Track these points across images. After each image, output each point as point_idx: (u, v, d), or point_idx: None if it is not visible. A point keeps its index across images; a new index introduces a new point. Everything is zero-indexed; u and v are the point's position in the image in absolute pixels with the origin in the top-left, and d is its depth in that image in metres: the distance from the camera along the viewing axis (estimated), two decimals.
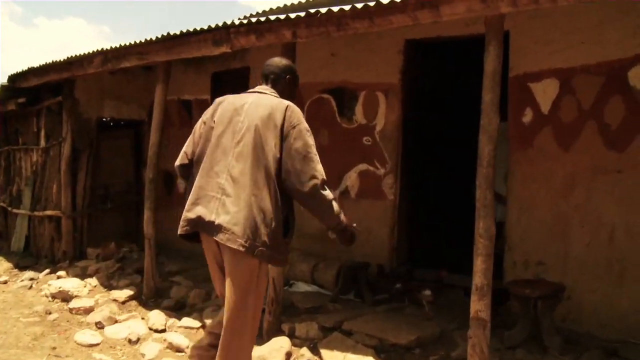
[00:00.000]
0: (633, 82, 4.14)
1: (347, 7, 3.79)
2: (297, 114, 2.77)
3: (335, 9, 3.86)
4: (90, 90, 7.47)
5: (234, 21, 4.58)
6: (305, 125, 2.77)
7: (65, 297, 5.53)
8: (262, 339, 4.18)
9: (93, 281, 6.00)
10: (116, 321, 4.85)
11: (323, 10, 3.94)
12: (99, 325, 4.77)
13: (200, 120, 3.00)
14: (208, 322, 4.60)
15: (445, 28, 4.90)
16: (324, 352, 4.03)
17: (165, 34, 5.17)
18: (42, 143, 7.58)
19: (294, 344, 4.17)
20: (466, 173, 5.95)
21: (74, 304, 5.27)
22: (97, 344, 4.40)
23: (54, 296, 5.61)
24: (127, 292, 5.52)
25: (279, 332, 4.38)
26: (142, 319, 4.91)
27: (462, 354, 3.89)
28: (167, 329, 4.69)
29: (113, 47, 5.81)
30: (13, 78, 7.48)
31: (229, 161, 2.73)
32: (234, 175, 2.70)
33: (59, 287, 5.63)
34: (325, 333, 4.36)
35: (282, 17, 4.19)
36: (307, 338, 4.31)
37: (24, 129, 8.04)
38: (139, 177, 8.14)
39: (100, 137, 7.72)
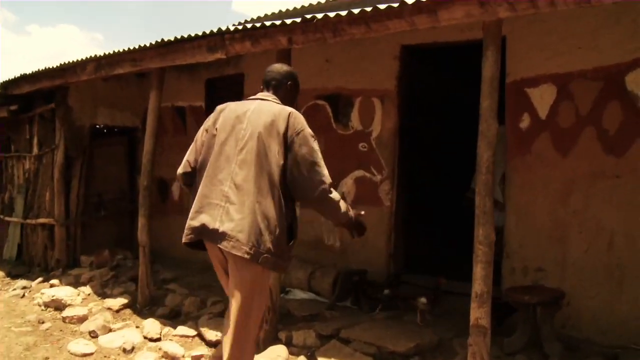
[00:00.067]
0: (630, 86, 4.14)
1: (343, 13, 3.77)
2: (300, 120, 2.79)
3: (331, 14, 3.84)
4: (84, 97, 7.42)
5: (229, 27, 4.55)
6: (309, 130, 2.78)
7: (58, 305, 5.46)
8: (258, 347, 4.13)
9: (87, 289, 5.94)
10: (110, 330, 4.79)
11: (319, 15, 3.92)
12: (93, 335, 4.70)
13: (202, 127, 3.00)
14: (203, 330, 4.55)
15: (441, 34, 4.89)
16: None
17: (159, 40, 5.14)
18: (35, 150, 7.53)
19: (291, 353, 4.13)
20: (463, 179, 5.96)
21: (67, 312, 5.20)
22: (91, 354, 4.33)
23: (46, 305, 5.54)
24: (121, 301, 5.45)
25: (276, 341, 4.34)
26: (137, 327, 4.85)
27: None
28: (162, 338, 4.63)
29: (106, 53, 5.77)
30: (5, 85, 7.42)
31: (232, 168, 2.74)
32: (238, 182, 2.71)
33: (52, 296, 5.56)
34: (323, 341, 4.32)
35: (278, 23, 4.17)
36: (304, 346, 4.27)
37: (16, 136, 7.97)
38: (132, 184, 8.11)
39: (94, 145, 7.67)
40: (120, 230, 8.02)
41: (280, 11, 6.08)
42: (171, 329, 4.73)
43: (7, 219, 7.90)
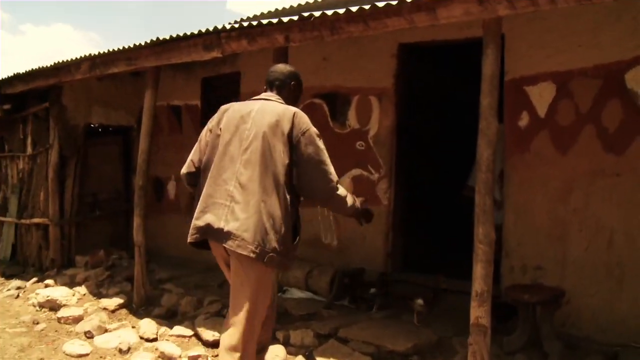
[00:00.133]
0: (630, 84, 4.11)
1: (341, 11, 3.73)
2: (305, 120, 2.83)
3: (329, 12, 3.80)
4: (78, 96, 7.35)
5: (225, 25, 4.51)
6: (314, 129, 2.84)
7: (53, 306, 5.41)
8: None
9: (82, 290, 5.88)
10: (106, 330, 4.74)
11: (317, 13, 3.88)
12: (89, 335, 4.65)
13: (205, 128, 3.04)
14: (200, 330, 4.51)
15: (440, 32, 4.86)
16: None
17: (154, 39, 5.10)
18: (29, 150, 7.47)
19: (288, 352, 4.10)
20: (462, 177, 5.93)
21: (62, 313, 5.15)
22: (87, 355, 4.29)
23: (41, 305, 5.49)
24: (117, 301, 5.40)
25: (273, 340, 4.29)
26: (133, 327, 4.80)
27: None
28: (158, 338, 4.58)
29: (101, 52, 5.73)
30: None
31: (237, 168, 2.77)
32: (243, 182, 2.74)
33: (47, 296, 5.50)
34: (321, 340, 4.29)
35: (275, 21, 4.13)
36: (302, 346, 4.24)
37: (9, 136, 7.90)
38: (128, 183, 8.06)
39: (88, 144, 7.62)
40: (116, 230, 7.98)
41: (276, 9, 6.03)
42: (167, 329, 4.69)
43: (1, 219, 7.84)
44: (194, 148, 3.06)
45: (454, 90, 6.54)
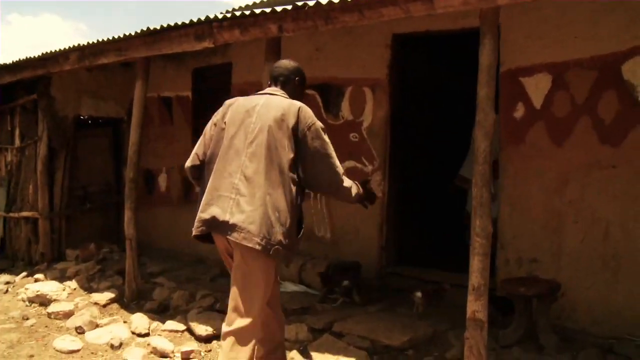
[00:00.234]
0: (627, 75, 4.08)
1: (336, 0, 3.66)
2: (310, 114, 2.88)
3: (323, 1, 3.73)
4: (67, 87, 7.28)
5: (217, 15, 4.43)
6: (319, 123, 2.89)
7: (43, 301, 5.34)
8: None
9: (72, 284, 5.82)
10: (97, 325, 4.69)
11: (311, 3, 3.81)
12: (79, 330, 4.60)
13: (210, 122, 3.08)
14: (193, 324, 4.46)
15: (434, 22, 4.81)
16: (314, 355, 3.92)
17: (144, 29, 5.01)
18: (17, 142, 7.38)
19: None
20: (456, 168, 5.90)
21: (52, 308, 5.08)
22: (78, 350, 4.23)
23: (31, 300, 5.41)
24: (108, 295, 5.34)
25: None
26: (125, 322, 4.75)
27: (457, 354, 3.82)
28: (150, 333, 4.54)
29: (90, 42, 5.63)
30: None
31: (242, 161, 2.80)
32: (248, 174, 2.77)
33: (37, 291, 5.44)
34: (315, 335, 4.25)
35: (268, 10, 4.05)
36: (296, 340, 4.19)
37: None
38: (118, 176, 8.00)
39: (78, 136, 7.53)
40: (106, 223, 7.92)
41: None
42: (160, 324, 4.64)
43: None
44: (199, 142, 3.08)
45: (449, 81, 6.49)
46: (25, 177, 7.29)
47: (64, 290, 5.59)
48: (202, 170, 3.01)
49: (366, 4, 3.58)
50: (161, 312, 5.02)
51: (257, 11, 4.12)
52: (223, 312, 4.65)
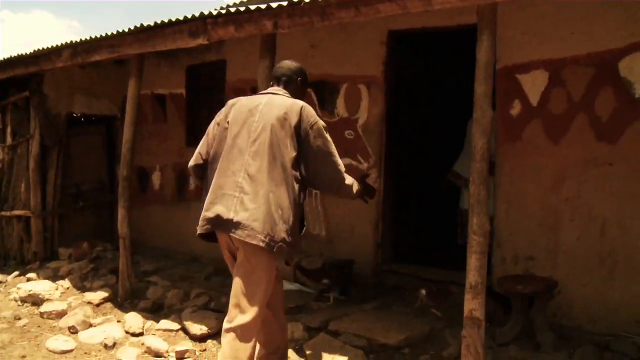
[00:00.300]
0: (624, 72, 4.07)
1: None
2: (312, 113, 2.93)
3: None
4: (60, 85, 7.21)
5: (211, 12, 4.39)
6: (321, 122, 2.95)
7: (35, 300, 5.28)
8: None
9: (65, 283, 5.77)
10: (90, 325, 4.64)
11: None
12: (73, 330, 4.55)
13: (213, 122, 3.13)
14: (187, 323, 4.42)
15: (430, 18, 4.78)
16: (310, 354, 3.90)
17: (138, 25, 4.96)
18: (9, 140, 7.31)
19: None
20: (451, 165, 5.89)
21: (45, 307, 5.03)
22: (71, 350, 4.18)
23: (23, 300, 5.35)
24: (101, 294, 5.29)
25: None
26: (118, 322, 4.71)
27: (454, 352, 3.81)
28: (144, 332, 4.50)
29: (83, 39, 5.57)
30: None
31: (245, 160, 2.84)
32: (251, 173, 2.81)
33: (29, 290, 5.37)
34: (311, 334, 4.23)
35: (263, 6, 4.01)
36: (292, 339, 4.16)
37: None
38: (112, 174, 7.94)
39: (71, 134, 7.47)
40: (99, 222, 7.86)
41: None
42: (154, 323, 4.60)
43: None
44: (202, 141, 3.12)
45: (445, 78, 6.46)
46: (17, 175, 7.22)
47: (56, 289, 5.54)
48: (206, 169, 3.06)
49: (363, 0, 3.54)
50: (155, 311, 4.98)
51: (252, 7, 4.08)
52: (218, 311, 4.67)
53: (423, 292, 4.46)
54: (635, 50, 4.03)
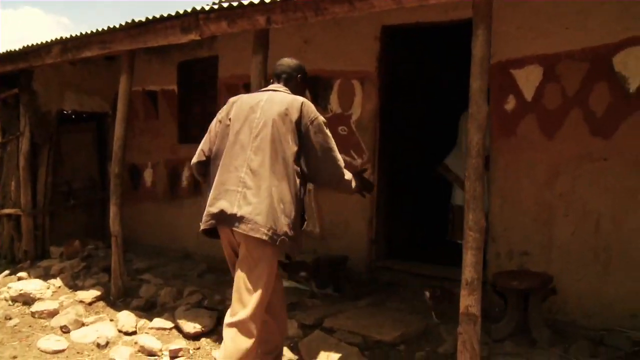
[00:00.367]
0: (618, 67, 4.06)
1: None
2: (312, 109, 2.97)
3: None
4: (50, 81, 7.15)
5: (204, 7, 4.34)
6: (322, 118, 2.99)
7: (26, 300, 5.23)
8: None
9: (57, 282, 5.71)
10: (83, 324, 4.60)
11: None
12: (65, 330, 4.50)
13: (215, 119, 3.16)
14: (181, 322, 4.38)
15: (424, 14, 4.77)
16: (305, 352, 3.87)
17: (129, 21, 4.91)
18: None
19: None
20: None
21: (36, 307, 4.97)
22: (63, 350, 4.14)
23: (14, 300, 5.29)
24: (93, 293, 5.24)
25: None
26: (111, 320, 4.67)
27: (450, 349, 3.79)
28: (137, 331, 4.46)
29: (73, 35, 5.52)
30: None
31: (247, 155, 2.88)
32: (254, 167, 2.85)
33: (20, 290, 5.31)
34: (306, 331, 4.20)
35: (256, 1, 3.97)
36: (286, 337, 4.11)
37: None
38: (103, 171, 7.90)
39: (61, 131, 7.43)
40: (91, 220, 7.82)
41: None
42: (147, 322, 4.57)
43: None
44: (204, 138, 3.16)
45: (439, 73, 6.44)
46: (7, 173, 7.16)
47: (48, 288, 5.48)
48: (208, 166, 3.09)
49: None
50: (148, 310, 4.95)
51: (245, 2, 4.04)
52: (211, 309, 4.64)
53: (427, 294, 4.40)
54: (629, 45, 4.02)
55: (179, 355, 3.98)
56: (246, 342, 2.81)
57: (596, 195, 4.20)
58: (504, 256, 4.60)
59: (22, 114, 6.90)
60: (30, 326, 4.68)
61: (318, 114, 2.99)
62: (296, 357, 3.87)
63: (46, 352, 4.10)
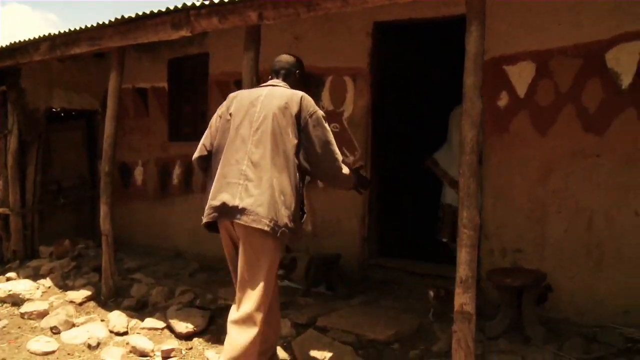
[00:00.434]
0: (610, 64, 4.06)
1: None
2: (311, 103, 3.01)
3: None
4: (38, 79, 7.06)
5: (195, 3, 4.29)
6: (321, 112, 3.02)
7: (15, 301, 5.16)
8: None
9: (47, 282, 5.65)
10: (73, 325, 4.54)
11: None
12: (55, 331, 4.45)
13: (215, 115, 3.20)
14: (173, 321, 4.34)
15: (416, 10, 4.74)
16: (298, 351, 3.84)
17: (118, 17, 4.85)
18: None
19: None
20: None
21: (25, 308, 4.91)
22: (53, 352, 4.08)
23: (3, 301, 5.22)
24: (84, 293, 5.18)
25: None
26: (102, 321, 4.61)
27: (444, 347, 3.78)
28: (129, 331, 4.41)
29: (61, 32, 5.44)
30: None
31: (248, 148, 2.92)
32: (255, 160, 2.89)
33: (9, 291, 5.25)
34: (299, 330, 4.17)
35: None
36: (279, 336, 4.10)
37: None
38: (93, 170, 7.84)
39: (50, 129, 7.34)
40: (81, 218, 7.76)
41: None
42: (139, 322, 4.52)
43: None
44: (205, 134, 3.20)
45: (431, 69, 6.42)
46: None
47: (37, 288, 5.42)
48: (209, 160, 3.13)
49: None
50: (140, 310, 4.89)
51: None
52: (203, 308, 4.60)
53: (431, 293, 4.37)
54: (622, 41, 4.03)
55: (171, 355, 3.94)
56: (252, 331, 2.84)
57: (589, 192, 4.20)
58: (497, 253, 4.60)
59: (10, 111, 6.82)
60: (19, 327, 4.62)
61: (317, 108, 3.02)
62: (289, 356, 3.84)
63: (36, 354, 4.04)
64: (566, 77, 4.24)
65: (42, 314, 4.77)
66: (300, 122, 2.94)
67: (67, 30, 5.36)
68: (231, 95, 3.20)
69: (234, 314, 2.92)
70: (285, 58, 3.30)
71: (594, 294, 4.19)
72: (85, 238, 7.20)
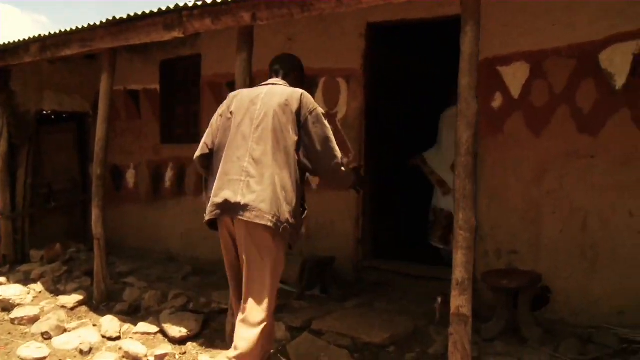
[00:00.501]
0: (605, 64, 4.06)
1: None
2: (311, 100, 3.04)
3: None
4: (28, 81, 7.01)
5: (187, 3, 4.26)
6: (320, 109, 3.04)
7: (5, 306, 5.08)
8: (225, 342, 3.94)
9: (38, 287, 5.57)
10: (65, 330, 4.48)
11: None
12: (46, 336, 4.38)
13: (216, 113, 3.22)
14: (166, 326, 4.30)
15: (410, 11, 4.72)
16: (293, 355, 3.81)
17: (110, 18, 4.80)
18: None
19: None
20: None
21: (16, 313, 4.84)
22: (44, 358, 4.01)
23: None
24: (76, 297, 5.13)
25: None
26: (94, 326, 4.56)
27: (440, 349, 3.76)
28: (122, 336, 4.36)
29: (52, 33, 5.39)
30: None
31: (249, 145, 2.93)
32: (256, 157, 2.90)
33: None
34: (294, 334, 4.13)
35: None
36: (274, 340, 4.07)
37: None
38: (84, 173, 7.78)
39: (41, 132, 7.30)
40: (72, 222, 7.70)
41: None
42: (131, 326, 4.47)
43: None
44: (206, 132, 3.22)
45: (426, 70, 6.41)
46: None
47: (28, 293, 5.35)
48: (211, 158, 3.15)
49: None
50: (132, 314, 4.84)
51: None
52: (197, 312, 4.56)
53: (439, 300, 4.33)
54: (615, 41, 4.03)
55: None
56: (260, 337, 2.84)
57: (583, 193, 4.20)
58: (492, 255, 4.59)
59: (0, 114, 6.75)
60: (9, 333, 4.55)
61: (317, 105, 3.04)
62: None
63: None
64: (560, 78, 4.23)
65: (33, 319, 4.70)
66: (300, 119, 2.96)
67: (57, 32, 5.32)
68: (232, 94, 3.23)
69: (240, 314, 2.93)
70: (284, 57, 3.36)
71: (588, 294, 4.19)
72: (77, 242, 7.15)
